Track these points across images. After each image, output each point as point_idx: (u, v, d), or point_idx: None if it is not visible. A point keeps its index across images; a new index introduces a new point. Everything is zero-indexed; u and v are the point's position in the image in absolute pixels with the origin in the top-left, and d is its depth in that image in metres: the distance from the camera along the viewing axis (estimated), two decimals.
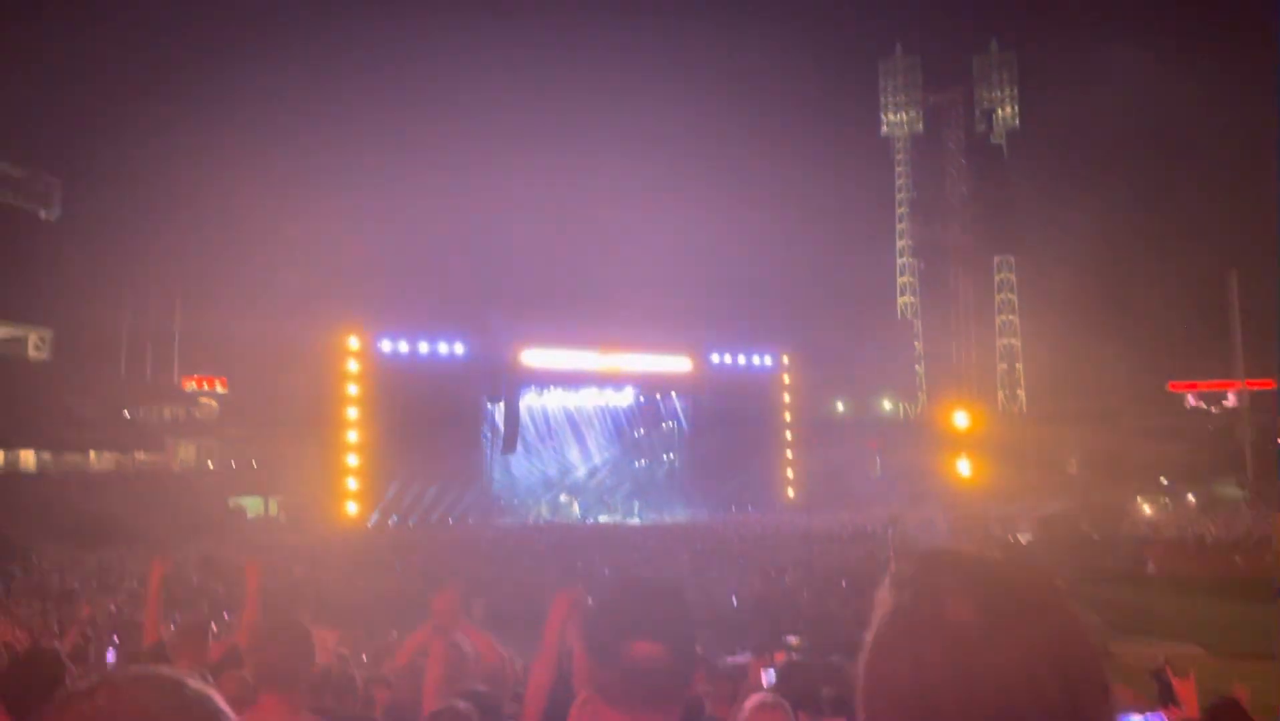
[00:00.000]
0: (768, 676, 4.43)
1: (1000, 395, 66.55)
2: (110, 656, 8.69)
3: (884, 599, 1.02)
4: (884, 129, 72.55)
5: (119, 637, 12.63)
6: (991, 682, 0.92)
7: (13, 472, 40.91)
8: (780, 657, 4.74)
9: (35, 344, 47.43)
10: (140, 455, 45.34)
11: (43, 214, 49.26)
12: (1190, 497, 48.20)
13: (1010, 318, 68.32)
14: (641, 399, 48.22)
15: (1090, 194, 61.48)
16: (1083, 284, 58.63)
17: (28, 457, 42.37)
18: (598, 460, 49.21)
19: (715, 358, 46.34)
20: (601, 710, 1.65)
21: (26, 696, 3.05)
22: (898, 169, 72.60)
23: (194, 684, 1.04)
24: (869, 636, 1.03)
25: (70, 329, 45.85)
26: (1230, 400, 63.83)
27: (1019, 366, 67.90)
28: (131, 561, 27.32)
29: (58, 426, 41.30)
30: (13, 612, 19.26)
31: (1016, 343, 68.09)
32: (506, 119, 49.03)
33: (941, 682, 0.93)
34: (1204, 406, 67.01)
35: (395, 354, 39.94)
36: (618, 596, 1.72)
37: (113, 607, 20.44)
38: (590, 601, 1.73)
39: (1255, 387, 60.25)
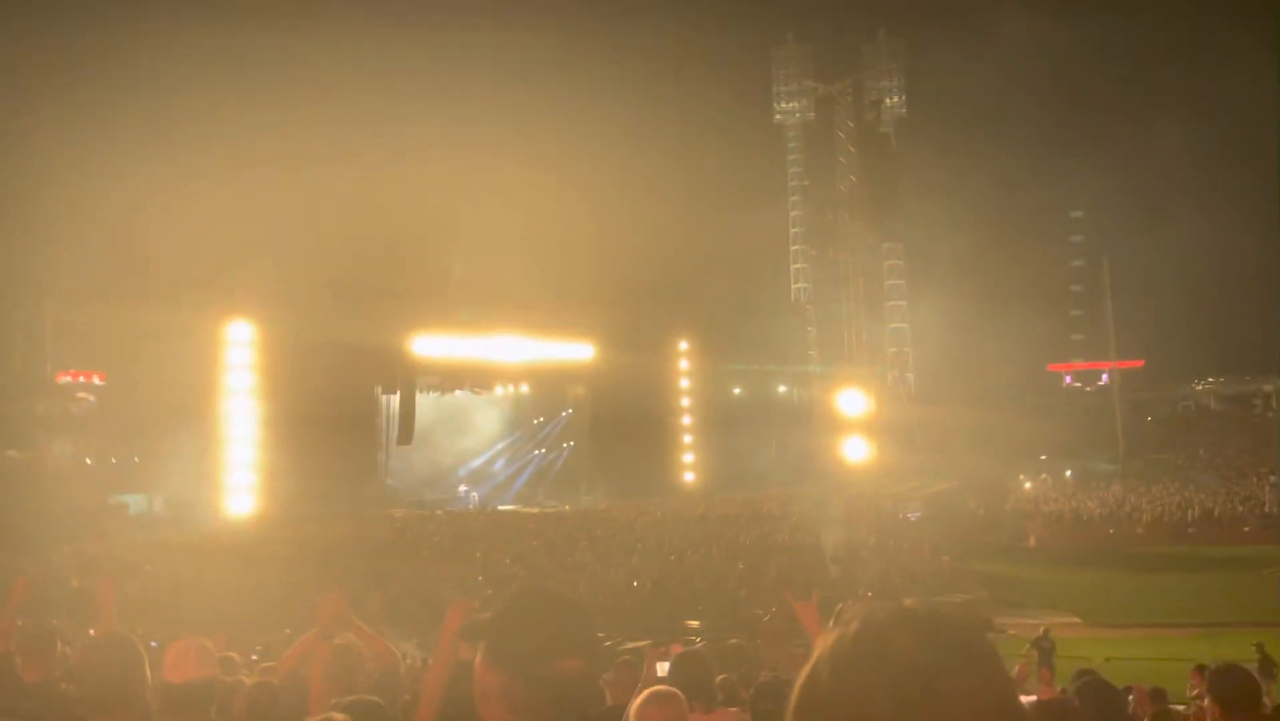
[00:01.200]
0: (663, 668, 4.46)
1: (889, 377, 68.36)
2: None
3: (823, 639, 1.00)
4: (777, 117, 73.58)
5: None
6: (938, 716, 0.91)
7: None
8: (676, 650, 4.77)
9: None
10: (11, 453, 43.14)
11: None
12: (1068, 473, 50.41)
13: (899, 303, 70.20)
14: (540, 387, 48.01)
15: (972, 182, 63.67)
16: (967, 269, 60.67)
17: None
18: (496, 449, 48.87)
19: (614, 345, 46.39)
20: (502, 718, 1.64)
21: None
22: (790, 157, 73.75)
23: None
24: (804, 670, 1.00)
25: None
26: (1103, 380, 67.08)
27: (907, 350, 69.89)
28: (4, 563, 26.03)
29: None
30: None
31: (905, 326, 70.04)
32: (396, 99, 48.10)
33: (886, 715, 0.91)
34: (1080, 385, 70.35)
35: (283, 342, 38.76)
36: (535, 614, 1.72)
37: None
38: (501, 621, 1.71)
39: (1125, 367, 63.48)
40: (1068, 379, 71.91)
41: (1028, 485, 46.67)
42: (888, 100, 71.15)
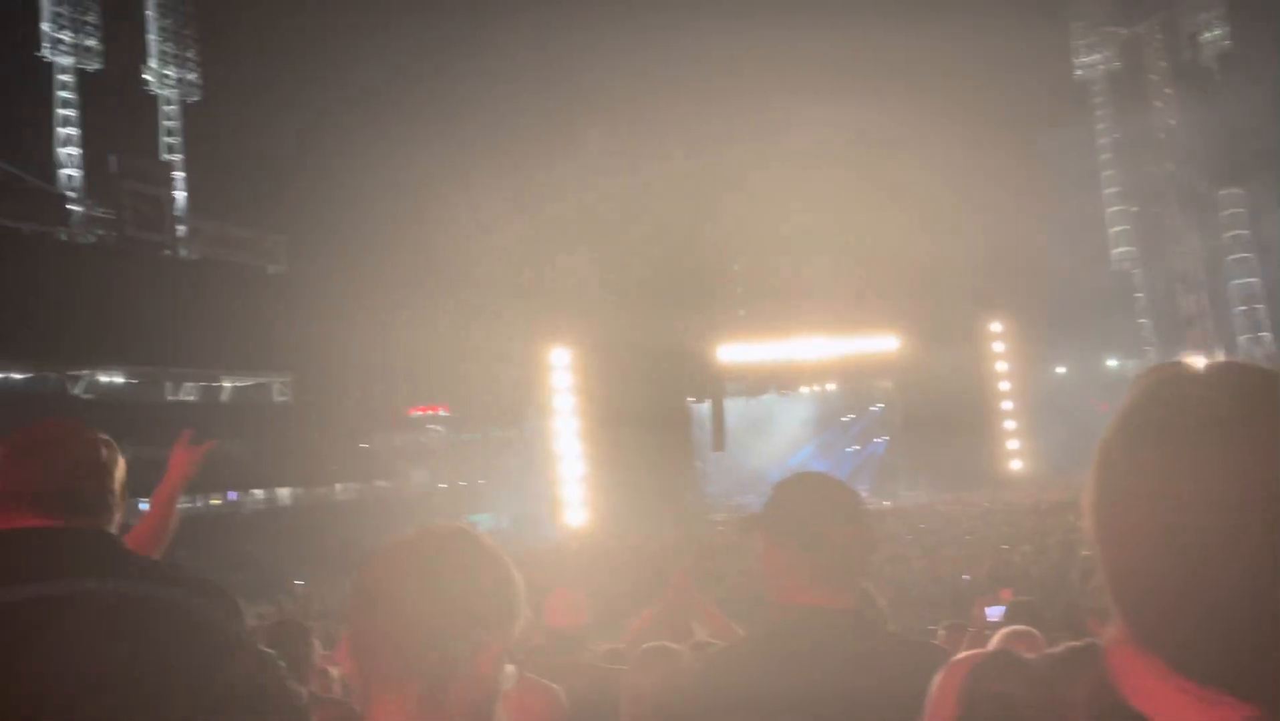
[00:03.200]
0: (993, 612, 4.34)
1: (1241, 339, 61.24)
2: None
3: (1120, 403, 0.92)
4: (1078, 71, 68.32)
5: None
6: (1248, 473, 0.80)
7: (271, 508, 44.80)
8: (1007, 595, 4.63)
9: (279, 389, 51.76)
10: (380, 483, 48.64)
11: (270, 269, 53.68)
12: None
13: (1245, 255, 62.76)
14: (847, 383, 47.45)
15: None
16: None
17: (283, 494, 46.27)
18: (808, 449, 48.84)
19: (919, 334, 44.96)
20: (796, 591, 1.83)
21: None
22: (1097, 111, 68.17)
23: (490, 542, 1.29)
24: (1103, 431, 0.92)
25: (307, 371, 49.75)
26: None
27: (1259, 306, 62.27)
28: None
29: (305, 463, 44.93)
30: None
31: (1255, 281, 62.48)
32: (690, 112, 49.48)
33: (1187, 471, 0.82)
34: None
35: (599, 364, 41.03)
36: (805, 490, 1.91)
37: None
38: (776, 503, 1.90)
39: None
40: None
41: None
42: (1207, 33, 64.06)
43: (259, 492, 45.40)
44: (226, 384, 50.53)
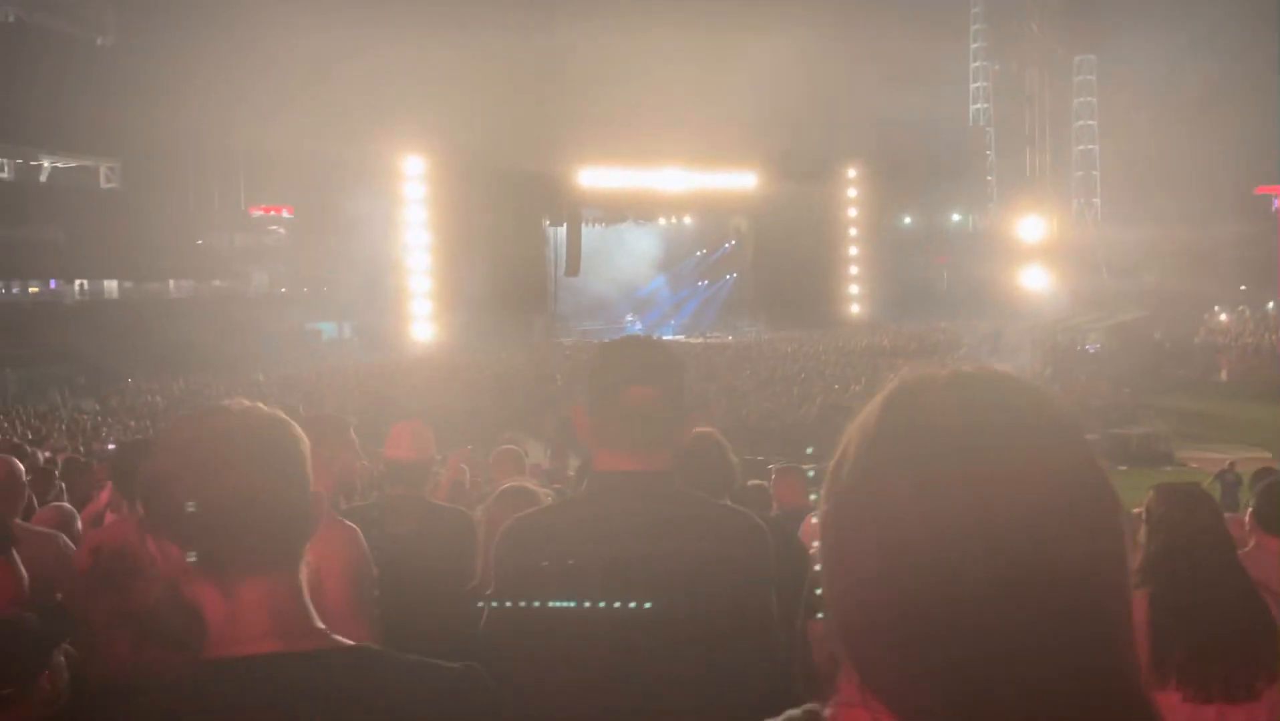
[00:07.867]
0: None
1: (1074, 203, 64.45)
2: None
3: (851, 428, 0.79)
4: None
5: None
6: (984, 508, 0.69)
7: (97, 301, 42.47)
8: None
9: (106, 174, 48.18)
10: (216, 282, 46.61)
11: (99, 41, 48.97)
12: (1270, 305, 46.88)
13: (1089, 122, 65.30)
14: (703, 217, 47.72)
15: None
16: (1166, 84, 55.45)
17: (110, 286, 43.83)
18: (659, 280, 49.33)
19: (776, 172, 45.26)
20: (604, 455, 1.87)
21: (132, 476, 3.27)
22: None
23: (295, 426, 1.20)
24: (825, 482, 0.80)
25: (138, 158, 46.33)
26: None
27: (1095, 174, 65.37)
28: (216, 385, 28.57)
29: (135, 255, 42.44)
30: (111, 431, 20.44)
31: (1095, 148, 65.32)
32: None
33: (910, 491, 0.71)
34: None
35: (455, 176, 39.75)
36: (616, 349, 1.94)
37: None
38: (589, 361, 1.96)
39: None
40: (1277, 203, 65.76)
41: (1223, 317, 43.74)
42: None
43: (83, 283, 42.89)
44: (46, 164, 46.64)
